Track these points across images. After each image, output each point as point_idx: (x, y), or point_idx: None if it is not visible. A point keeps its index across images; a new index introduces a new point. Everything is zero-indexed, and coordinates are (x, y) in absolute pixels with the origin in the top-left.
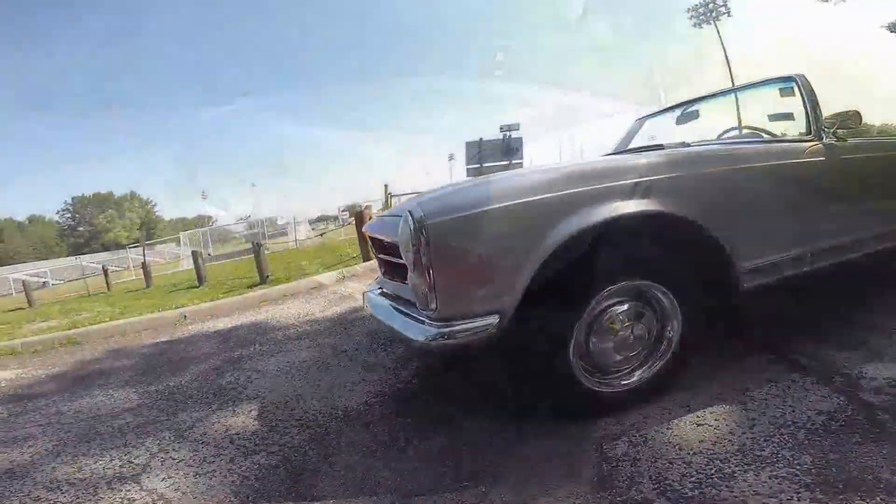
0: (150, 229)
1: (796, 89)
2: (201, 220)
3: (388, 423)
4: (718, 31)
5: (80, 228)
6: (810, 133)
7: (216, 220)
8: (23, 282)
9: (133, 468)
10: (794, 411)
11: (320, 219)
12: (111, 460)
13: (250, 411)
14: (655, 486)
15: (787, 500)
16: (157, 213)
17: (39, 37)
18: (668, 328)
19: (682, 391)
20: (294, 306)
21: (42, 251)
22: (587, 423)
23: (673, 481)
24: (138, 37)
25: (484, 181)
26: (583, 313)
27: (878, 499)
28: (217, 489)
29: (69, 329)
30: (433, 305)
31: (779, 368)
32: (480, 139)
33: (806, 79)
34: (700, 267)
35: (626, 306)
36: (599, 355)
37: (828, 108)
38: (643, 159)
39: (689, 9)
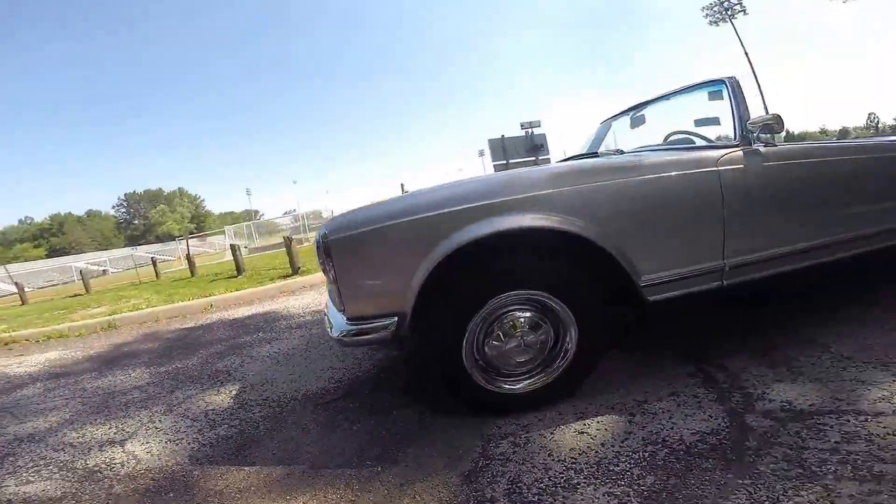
0: (199, 223)
1: (725, 92)
2: (248, 215)
3: (332, 407)
4: (735, 29)
5: (136, 222)
6: (736, 138)
7: (263, 214)
8: (80, 270)
9: (123, 435)
10: (672, 428)
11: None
12: (109, 428)
13: (230, 391)
14: (507, 487)
15: None
16: (205, 208)
17: (93, 35)
18: (567, 338)
19: (584, 398)
20: (306, 298)
21: (102, 242)
22: (489, 419)
23: (524, 485)
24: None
25: (391, 200)
26: (470, 319)
27: None
28: (179, 454)
29: (111, 315)
30: (341, 308)
31: (691, 382)
32: (502, 136)
33: (736, 81)
34: (597, 279)
35: (528, 314)
36: (497, 358)
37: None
38: (537, 174)
39: (704, 7)
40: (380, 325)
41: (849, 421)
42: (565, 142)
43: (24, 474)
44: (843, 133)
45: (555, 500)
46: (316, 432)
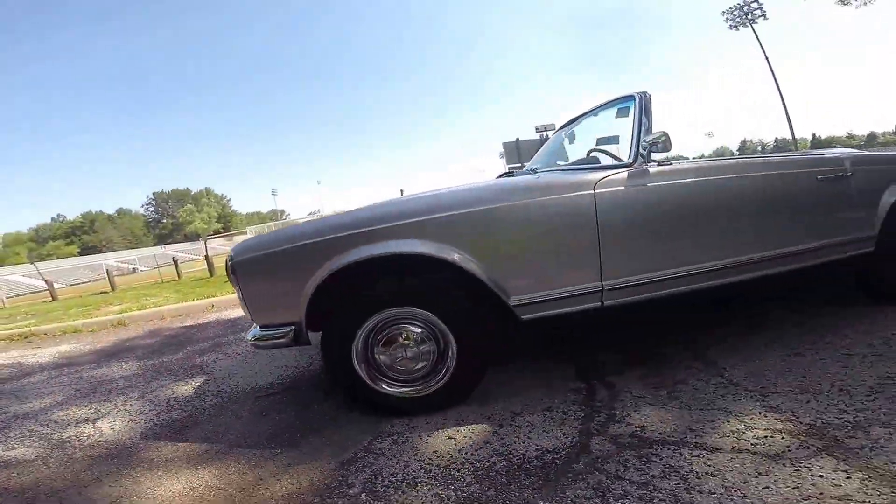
0: (226, 222)
1: (632, 109)
2: (274, 215)
3: (270, 399)
4: (756, 34)
5: (164, 221)
6: (630, 157)
7: (288, 214)
8: (106, 269)
9: (98, 415)
10: (524, 443)
11: None
12: (89, 410)
13: (196, 383)
14: (367, 478)
15: None
16: (232, 208)
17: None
18: (449, 351)
19: (472, 405)
20: None
21: (132, 240)
22: (386, 419)
23: (380, 477)
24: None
25: (292, 227)
26: (358, 328)
27: None
28: (134, 431)
29: (122, 313)
30: (250, 317)
31: (570, 398)
32: (517, 139)
33: (647, 98)
34: (470, 298)
35: (418, 329)
36: (387, 366)
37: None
38: (418, 202)
39: (724, 11)
40: (281, 332)
41: (682, 454)
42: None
43: (11, 443)
44: (871, 138)
45: (396, 493)
46: (246, 419)
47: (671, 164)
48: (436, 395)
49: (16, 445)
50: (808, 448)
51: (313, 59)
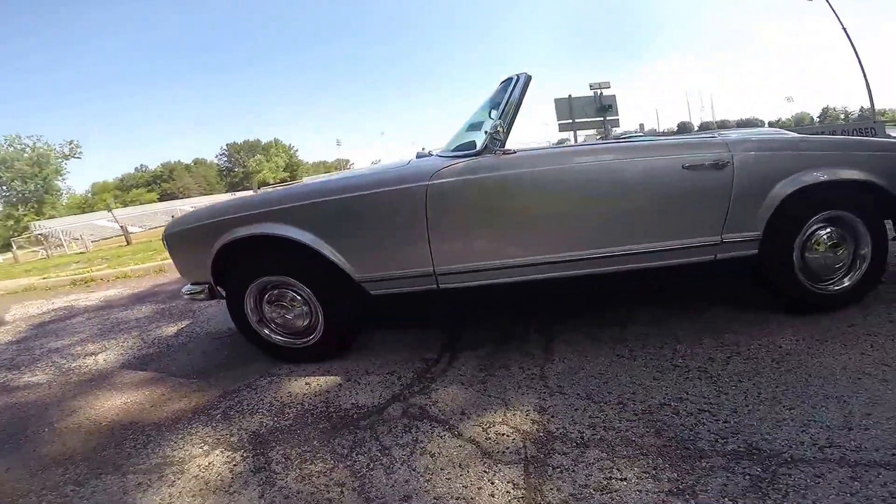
0: (293, 171)
1: (507, 92)
2: (339, 164)
3: (219, 342)
4: (830, 4)
5: (236, 170)
6: (478, 146)
7: (353, 164)
8: (172, 215)
9: (101, 350)
10: (349, 397)
11: None
12: (98, 346)
13: (181, 325)
14: (231, 405)
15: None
16: (298, 158)
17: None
18: (319, 314)
19: (346, 360)
20: None
21: (206, 188)
22: (282, 364)
23: (238, 404)
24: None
25: (205, 209)
26: (245, 292)
27: None
28: (117, 361)
29: (162, 260)
30: (182, 277)
31: (418, 366)
32: (570, 96)
33: (519, 80)
34: (329, 273)
35: (297, 295)
36: (272, 320)
37: None
38: (290, 191)
39: None
40: (200, 288)
41: (433, 431)
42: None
43: (36, 371)
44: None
45: (238, 417)
46: (193, 356)
47: (515, 152)
48: (311, 347)
49: (37, 373)
50: (517, 454)
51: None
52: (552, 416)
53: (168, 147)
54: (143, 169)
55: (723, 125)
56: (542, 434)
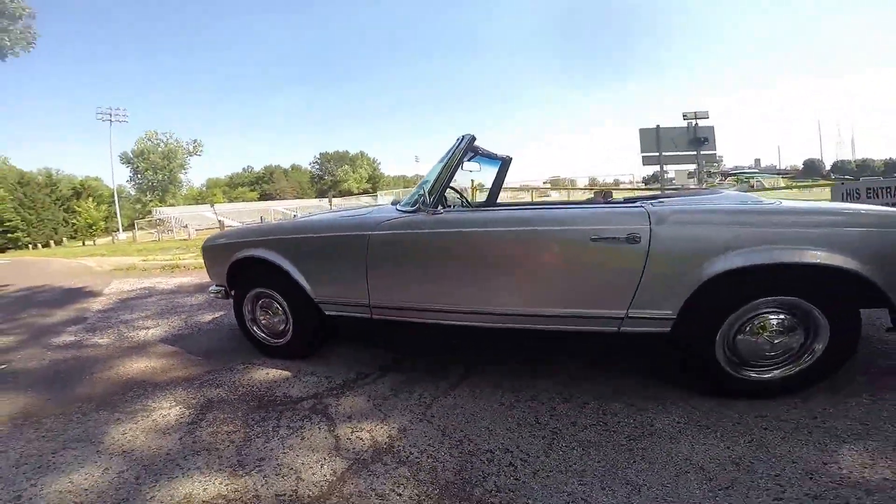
0: (375, 183)
1: (448, 153)
2: (417, 179)
3: (236, 331)
4: None
5: (325, 177)
6: (421, 203)
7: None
8: (260, 217)
9: (155, 326)
10: (291, 388)
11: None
12: (154, 323)
13: (216, 314)
14: (207, 380)
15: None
16: (381, 170)
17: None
18: (290, 321)
19: (310, 361)
20: None
21: (299, 192)
22: (257, 355)
23: (209, 383)
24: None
25: (234, 229)
26: (244, 297)
27: None
28: (159, 336)
29: None
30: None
31: (361, 374)
32: (657, 126)
33: (461, 142)
34: (297, 292)
35: (277, 304)
36: (260, 321)
37: None
38: (278, 226)
39: None
40: (220, 290)
41: (312, 419)
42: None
43: (104, 335)
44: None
45: (206, 387)
46: (212, 341)
47: (441, 213)
48: (283, 347)
49: (104, 337)
50: (356, 455)
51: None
52: (404, 437)
53: (272, 151)
54: (249, 170)
55: (864, 166)
56: (385, 446)
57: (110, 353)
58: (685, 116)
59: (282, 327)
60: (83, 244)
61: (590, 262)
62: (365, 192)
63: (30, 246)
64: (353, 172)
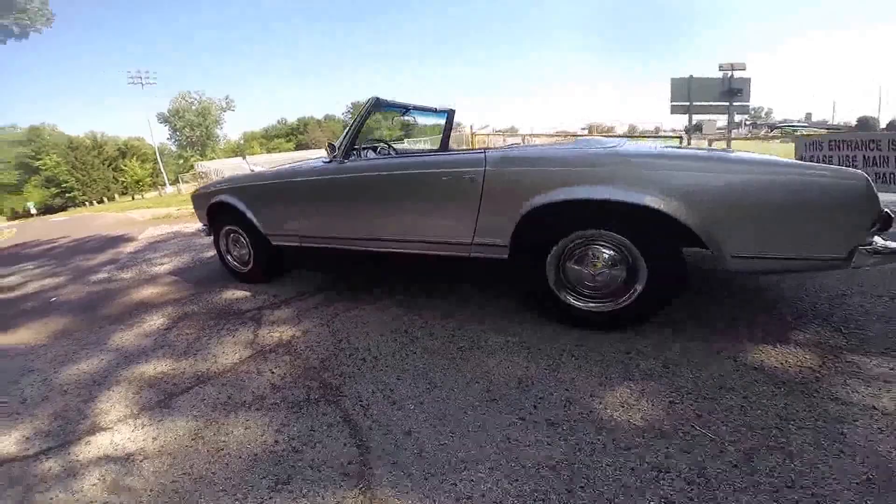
0: (408, 132)
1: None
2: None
3: (212, 272)
4: None
5: None
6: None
7: (462, 125)
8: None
9: (170, 262)
10: (270, 316)
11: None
12: (168, 258)
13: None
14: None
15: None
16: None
17: None
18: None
19: (261, 285)
20: None
21: (333, 140)
22: (229, 281)
23: (187, 302)
24: None
25: (213, 181)
26: (220, 233)
27: None
28: (169, 269)
29: None
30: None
31: (284, 295)
32: (690, 76)
33: (368, 104)
34: (253, 228)
35: (242, 238)
36: (233, 255)
37: None
38: (239, 176)
39: None
40: (205, 228)
41: (247, 324)
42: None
43: (128, 270)
44: None
45: (185, 304)
46: (207, 272)
47: (345, 163)
48: (246, 273)
49: (128, 272)
50: (261, 345)
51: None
52: (303, 336)
53: (305, 103)
54: (283, 122)
55: None
56: (285, 342)
57: (130, 285)
58: (721, 67)
59: (247, 258)
60: (132, 199)
61: (443, 198)
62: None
63: (86, 203)
64: (385, 121)
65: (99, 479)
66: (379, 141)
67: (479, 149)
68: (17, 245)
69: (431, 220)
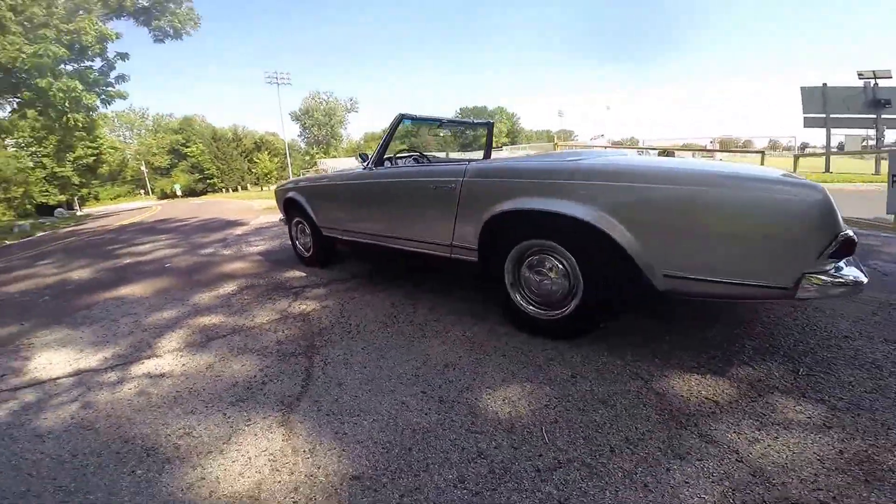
0: (513, 138)
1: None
2: (562, 134)
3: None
4: None
5: (466, 132)
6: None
7: (577, 136)
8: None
9: (260, 243)
10: (304, 293)
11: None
12: (261, 241)
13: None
14: (264, 274)
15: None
16: (520, 125)
17: None
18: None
19: (318, 269)
20: None
21: (443, 146)
22: (296, 265)
23: (259, 279)
24: None
25: (291, 179)
26: (291, 223)
27: None
28: (259, 250)
29: None
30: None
31: (329, 278)
32: (824, 85)
33: (393, 121)
34: (311, 221)
35: (307, 229)
36: (300, 242)
37: None
38: (304, 178)
39: None
40: (283, 219)
41: (288, 299)
42: None
43: (229, 248)
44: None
45: (258, 280)
46: (288, 255)
47: (374, 170)
48: (308, 258)
49: (229, 250)
50: (294, 323)
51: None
52: (319, 308)
53: (420, 105)
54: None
55: None
56: (305, 311)
57: (225, 260)
58: (861, 75)
59: (309, 245)
60: (261, 189)
61: (430, 204)
62: (502, 146)
63: (222, 190)
64: (441, 134)
65: (133, 387)
66: (413, 150)
67: (465, 160)
68: (158, 221)
69: (424, 224)
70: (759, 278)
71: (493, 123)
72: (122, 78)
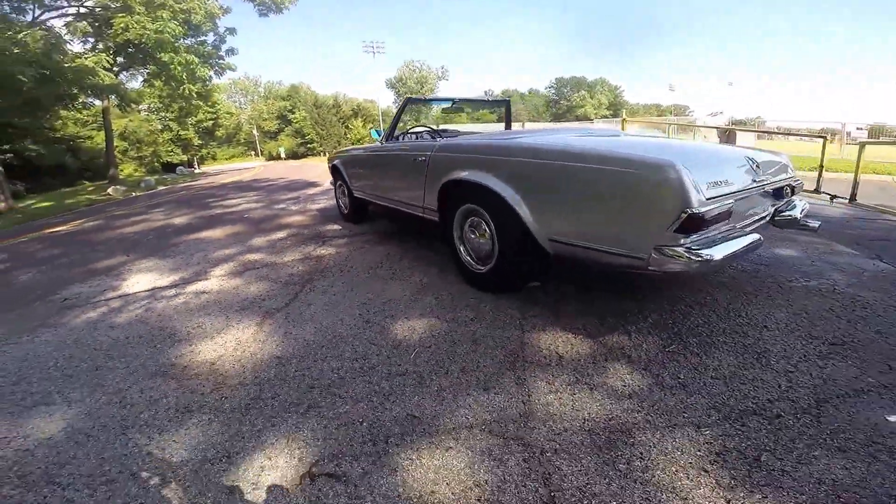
0: (616, 110)
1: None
2: (675, 109)
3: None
4: None
5: (560, 102)
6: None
7: (693, 111)
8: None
9: (324, 203)
10: (326, 232)
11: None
12: (325, 201)
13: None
14: (313, 226)
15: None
16: (623, 98)
17: None
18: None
19: (352, 224)
20: None
21: (535, 116)
22: (338, 220)
23: (306, 230)
24: None
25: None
26: (336, 185)
27: None
28: (313, 209)
29: None
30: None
31: (360, 232)
32: None
33: (402, 103)
34: (347, 184)
35: (345, 191)
36: (341, 201)
37: None
38: (348, 149)
39: None
40: (333, 184)
41: (318, 245)
42: None
43: (297, 205)
44: None
45: (304, 234)
46: (336, 213)
47: (385, 144)
48: (346, 215)
49: (297, 206)
50: (317, 266)
51: None
52: (335, 255)
53: (512, 76)
54: (490, 94)
55: None
56: (323, 256)
57: (289, 213)
58: None
59: (345, 205)
60: None
61: (412, 174)
62: (603, 118)
63: (321, 154)
64: (591, 98)
65: (182, 299)
66: (425, 126)
67: (437, 137)
68: (254, 180)
69: (407, 190)
70: (621, 247)
71: (509, 101)
72: (231, 51)
